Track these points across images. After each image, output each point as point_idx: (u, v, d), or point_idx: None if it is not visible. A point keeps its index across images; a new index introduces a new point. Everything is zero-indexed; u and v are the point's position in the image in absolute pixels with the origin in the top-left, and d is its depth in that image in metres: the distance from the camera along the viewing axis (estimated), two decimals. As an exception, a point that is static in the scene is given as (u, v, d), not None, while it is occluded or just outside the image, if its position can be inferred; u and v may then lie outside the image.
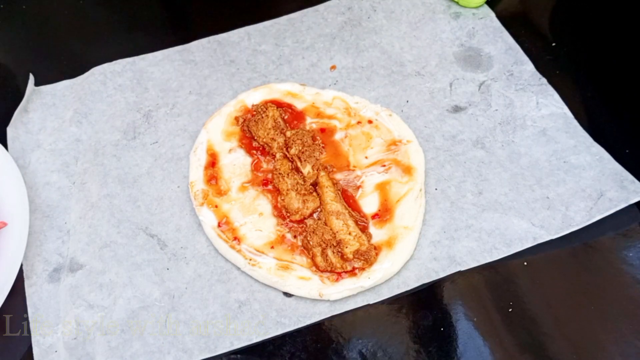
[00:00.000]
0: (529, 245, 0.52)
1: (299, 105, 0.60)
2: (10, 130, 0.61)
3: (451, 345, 0.48)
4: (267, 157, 0.57)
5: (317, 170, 0.55)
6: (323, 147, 0.57)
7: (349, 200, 0.54)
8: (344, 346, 0.49)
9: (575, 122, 0.58)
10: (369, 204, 0.54)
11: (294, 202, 0.53)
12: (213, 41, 0.68)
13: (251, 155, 0.58)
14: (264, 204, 0.55)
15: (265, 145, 0.57)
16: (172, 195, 0.57)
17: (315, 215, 0.53)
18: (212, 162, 0.57)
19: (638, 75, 0.62)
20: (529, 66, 0.63)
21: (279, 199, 0.54)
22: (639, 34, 0.65)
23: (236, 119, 0.60)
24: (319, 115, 0.59)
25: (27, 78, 0.64)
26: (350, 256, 0.51)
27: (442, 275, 0.51)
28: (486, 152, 0.58)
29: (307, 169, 0.55)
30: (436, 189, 0.56)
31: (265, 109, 0.59)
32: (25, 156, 0.60)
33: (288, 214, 0.53)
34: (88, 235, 0.55)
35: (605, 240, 0.53)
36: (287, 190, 0.54)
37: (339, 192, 0.54)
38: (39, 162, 0.60)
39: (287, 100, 0.60)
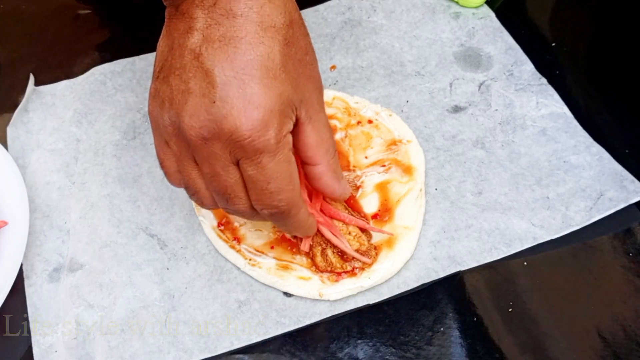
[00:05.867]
0: (529, 245, 0.52)
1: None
2: (10, 130, 0.61)
3: (451, 345, 0.48)
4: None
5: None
6: (323, 147, 0.57)
7: (349, 201, 0.54)
8: (344, 346, 0.49)
9: (575, 122, 0.58)
10: (369, 204, 0.54)
11: None
12: (213, 41, 0.67)
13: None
14: (264, 204, 0.55)
15: None
16: (172, 195, 0.57)
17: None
18: (212, 162, 0.57)
19: (638, 75, 0.62)
20: (529, 66, 0.63)
21: None
22: (639, 33, 0.65)
23: (236, 118, 0.60)
24: (319, 115, 0.59)
25: (27, 78, 0.64)
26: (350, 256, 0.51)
27: (442, 275, 0.51)
28: (486, 152, 0.58)
29: None
30: (436, 189, 0.56)
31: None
32: (25, 156, 0.60)
33: None
34: (88, 235, 0.55)
35: (605, 240, 0.53)
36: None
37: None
38: (38, 161, 0.60)
39: (287, 100, 0.60)
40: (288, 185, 0.41)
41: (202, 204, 0.45)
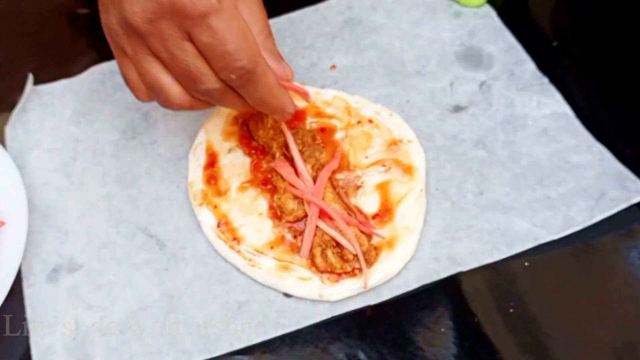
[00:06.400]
0: (530, 246, 0.52)
1: (299, 104, 0.60)
2: (8, 130, 0.61)
3: (452, 345, 0.48)
4: (267, 157, 0.57)
5: (317, 170, 0.55)
6: (323, 146, 0.57)
7: (349, 201, 0.54)
8: (344, 347, 0.49)
9: (577, 122, 0.58)
10: (370, 204, 0.54)
11: (289, 202, 0.53)
12: (213, 40, 0.67)
13: (250, 155, 0.57)
14: (264, 204, 0.54)
15: (265, 145, 0.57)
16: (171, 195, 0.57)
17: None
18: (212, 162, 0.57)
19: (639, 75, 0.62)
20: (530, 65, 0.62)
21: (274, 197, 0.54)
22: (641, 33, 0.65)
23: (235, 118, 0.59)
24: (319, 114, 0.59)
25: (26, 77, 0.64)
26: (350, 257, 0.51)
27: (442, 275, 0.51)
28: (487, 152, 0.57)
29: (307, 169, 0.55)
30: (437, 189, 0.56)
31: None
32: (24, 156, 0.60)
33: (282, 214, 0.53)
34: (87, 236, 0.55)
35: (606, 241, 0.52)
36: (284, 189, 0.54)
37: (339, 193, 0.54)
38: (37, 161, 0.59)
39: (287, 99, 0.60)
40: (245, 42, 0.42)
41: (169, 103, 0.45)
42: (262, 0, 0.46)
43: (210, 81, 0.43)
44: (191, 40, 0.42)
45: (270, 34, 0.46)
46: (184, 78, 0.44)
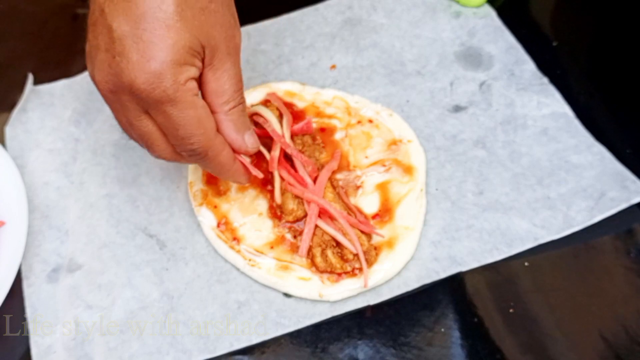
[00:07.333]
0: (530, 246, 0.52)
1: (299, 104, 0.60)
2: (8, 130, 0.61)
3: (452, 345, 0.48)
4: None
5: (317, 170, 0.55)
6: (323, 146, 0.57)
7: (348, 200, 0.54)
8: (344, 347, 0.49)
9: (577, 122, 0.58)
10: (370, 204, 0.54)
11: (289, 202, 0.53)
12: (212, 40, 0.67)
13: (250, 155, 0.57)
14: (264, 204, 0.54)
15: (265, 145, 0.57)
16: (171, 195, 0.57)
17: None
18: (212, 161, 0.57)
19: (639, 75, 0.62)
20: (530, 65, 0.62)
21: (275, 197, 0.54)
22: (641, 33, 0.65)
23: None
24: (319, 114, 0.59)
25: (26, 77, 0.63)
26: (350, 257, 0.51)
27: (442, 275, 0.51)
28: (487, 151, 0.57)
29: (307, 169, 0.55)
30: (437, 189, 0.56)
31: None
32: (24, 156, 0.60)
33: (282, 214, 0.53)
34: (87, 235, 0.55)
35: (606, 241, 0.52)
36: (284, 189, 0.54)
37: (339, 193, 0.54)
38: (37, 161, 0.59)
39: (287, 99, 0.60)
40: (197, 130, 0.43)
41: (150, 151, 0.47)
42: (239, 66, 0.46)
43: (162, 151, 0.46)
44: (149, 114, 0.44)
45: (239, 102, 0.46)
46: (140, 141, 0.46)
